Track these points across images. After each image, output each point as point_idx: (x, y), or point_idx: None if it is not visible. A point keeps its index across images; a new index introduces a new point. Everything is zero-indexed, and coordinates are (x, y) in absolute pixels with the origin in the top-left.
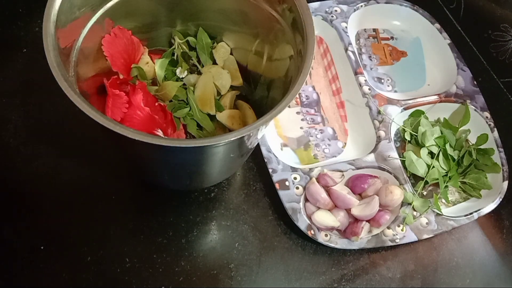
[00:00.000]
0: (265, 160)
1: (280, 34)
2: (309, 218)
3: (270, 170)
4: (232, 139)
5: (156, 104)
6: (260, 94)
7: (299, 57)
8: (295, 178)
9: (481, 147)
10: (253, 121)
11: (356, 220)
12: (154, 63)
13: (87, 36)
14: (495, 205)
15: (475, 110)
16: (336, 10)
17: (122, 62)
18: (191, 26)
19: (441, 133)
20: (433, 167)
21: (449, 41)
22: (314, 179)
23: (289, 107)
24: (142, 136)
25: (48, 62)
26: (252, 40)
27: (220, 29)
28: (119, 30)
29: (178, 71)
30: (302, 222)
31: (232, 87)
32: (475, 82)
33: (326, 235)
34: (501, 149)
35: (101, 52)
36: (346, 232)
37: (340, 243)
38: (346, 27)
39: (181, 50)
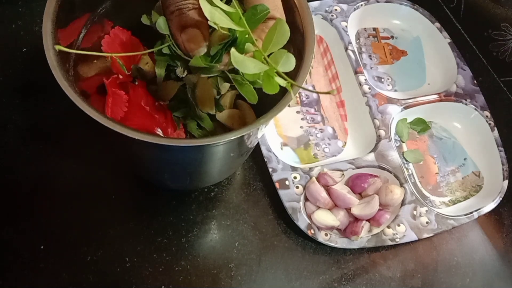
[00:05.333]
0: (265, 160)
1: None
2: (309, 217)
3: (270, 170)
4: (232, 138)
5: (156, 103)
6: (260, 93)
7: (299, 57)
8: (295, 178)
9: None
10: (253, 121)
11: (356, 219)
12: (154, 63)
13: (86, 35)
14: (495, 205)
15: (475, 109)
16: (336, 9)
17: (122, 62)
18: None
19: None
20: None
21: (449, 40)
22: (314, 178)
23: (289, 106)
24: (143, 135)
25: (48, 61)
26: None
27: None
28: (119, 31)
29: (178, 71)
30: (302, 222)
31: (232, 87)
32: (475, 81)
33: (326, 235)
34: (501, 149)
35: (100, 52)
36: (346, 231)
37: (340, 242)
38: (346, 26)
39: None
